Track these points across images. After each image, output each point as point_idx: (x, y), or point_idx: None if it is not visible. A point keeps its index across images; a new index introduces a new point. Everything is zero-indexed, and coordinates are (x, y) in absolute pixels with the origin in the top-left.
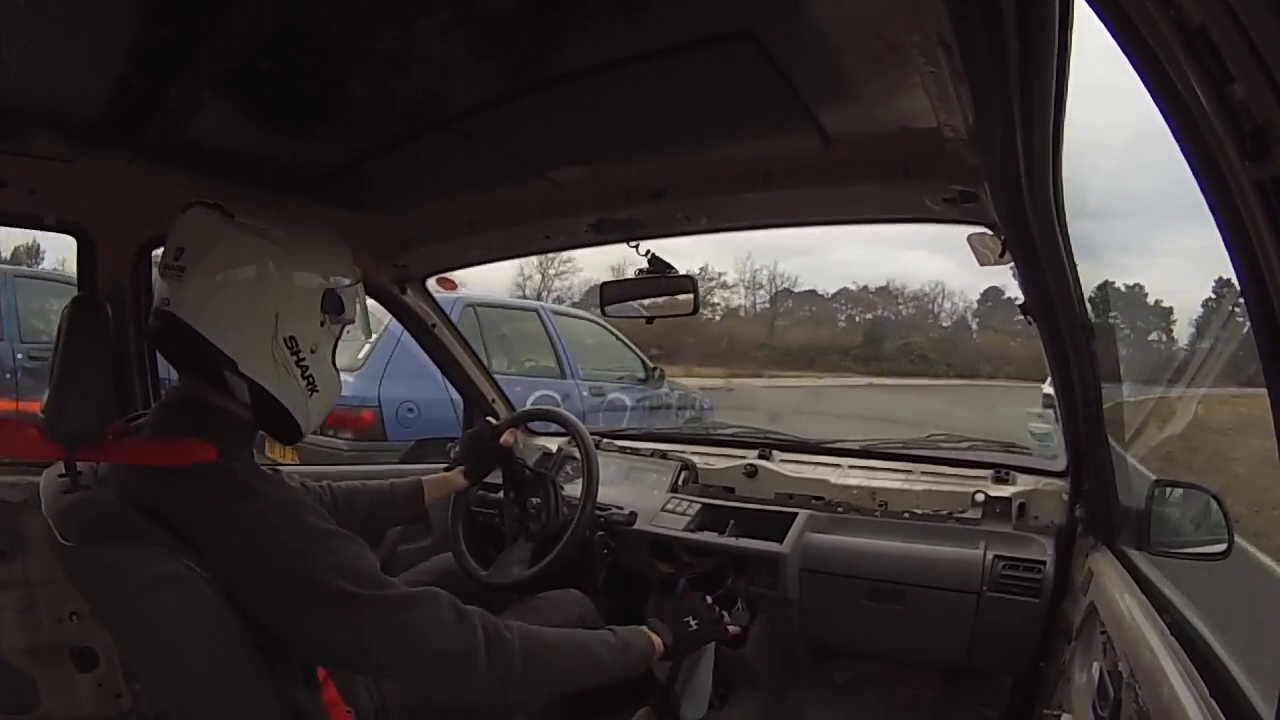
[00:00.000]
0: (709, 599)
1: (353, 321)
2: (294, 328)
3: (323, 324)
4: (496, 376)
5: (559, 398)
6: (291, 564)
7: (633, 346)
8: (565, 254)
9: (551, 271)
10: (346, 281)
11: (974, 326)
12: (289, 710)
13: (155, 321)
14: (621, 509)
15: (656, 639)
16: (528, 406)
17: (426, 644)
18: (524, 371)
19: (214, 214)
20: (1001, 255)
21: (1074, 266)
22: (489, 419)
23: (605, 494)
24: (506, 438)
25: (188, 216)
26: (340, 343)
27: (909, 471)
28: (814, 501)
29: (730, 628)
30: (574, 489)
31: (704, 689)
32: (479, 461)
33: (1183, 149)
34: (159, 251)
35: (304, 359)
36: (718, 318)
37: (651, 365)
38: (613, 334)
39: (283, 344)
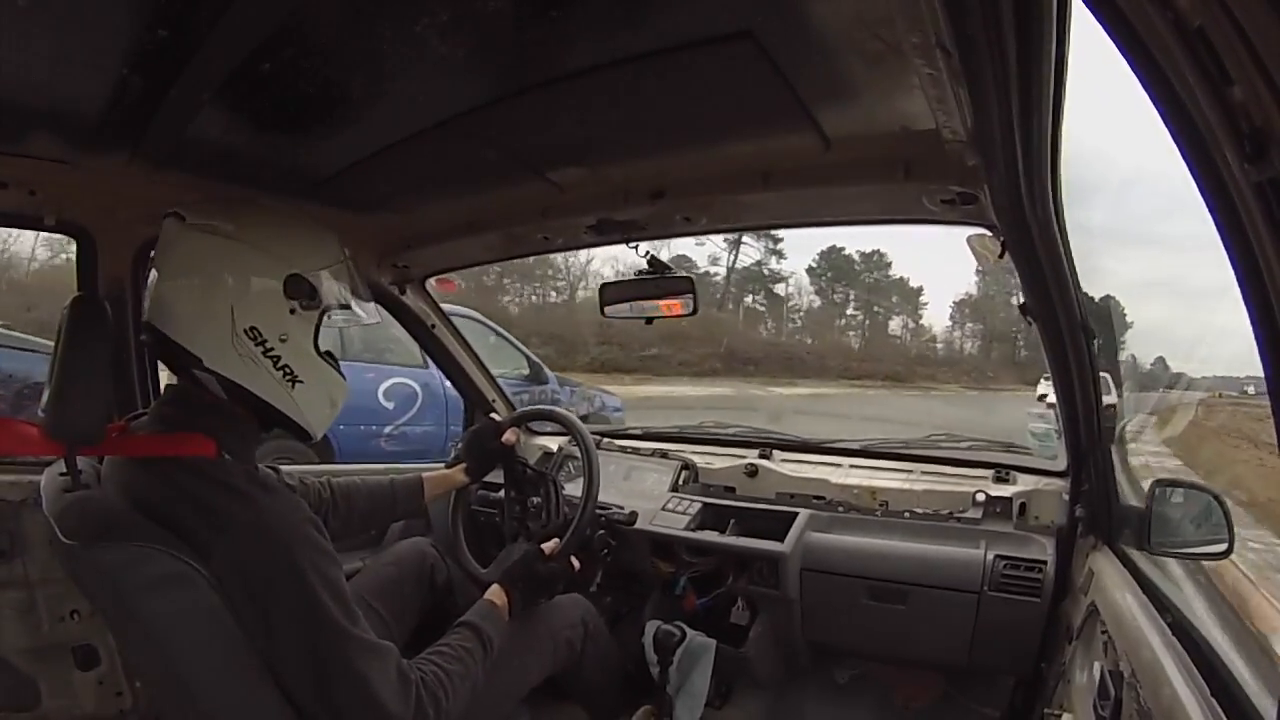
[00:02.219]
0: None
1: (342, 306)
2: (254, 318)
3: (293, 311)
4: (345, 363)
5: (418, 386)
6: (282, 577)
7: (519, 345)
8: None
9: None
10: (319, 265)
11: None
12: (291, 709)
13: (144, 332)
14: (622, 508)
15: (505, 613)
16: (380, 392)
17: (376, 696)
18: (380, 359)
19: (171, 220)
20: (1001, 256)
21: (1073, 267)
22: (492, 416)
23: (606, 493)
24: (509, 436)
25: (162, 227)
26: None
27: (909, 471)
28: (815, 501)
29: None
30: (574, 488)
31: (699, 692)
32: (481, 459)
33: (1181, 151)
34: None
35: (272, 349)
36: None
37: (537, 363)
38: (498, 333)
39: (244, 335)
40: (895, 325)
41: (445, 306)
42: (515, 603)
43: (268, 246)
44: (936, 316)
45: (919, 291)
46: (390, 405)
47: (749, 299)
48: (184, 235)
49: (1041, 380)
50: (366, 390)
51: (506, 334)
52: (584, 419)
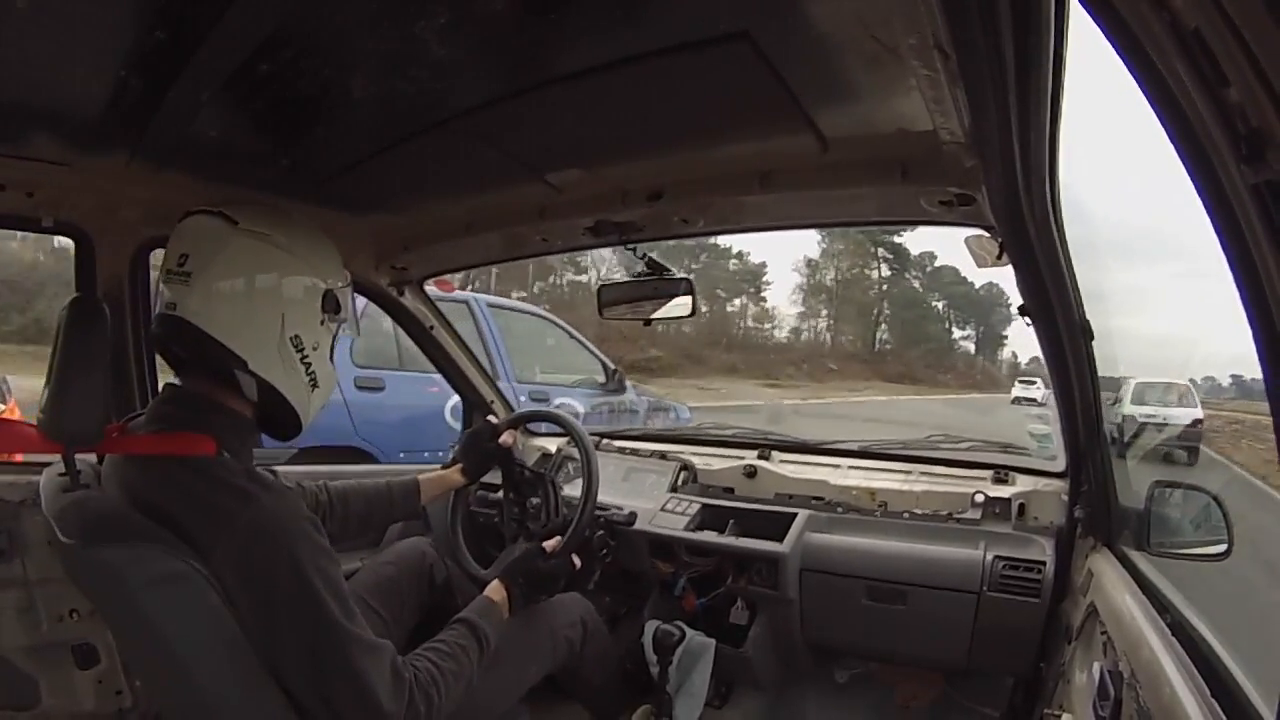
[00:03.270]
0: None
1: (346, 320)
2: (298, 327)
3: (322, 323)
4: (399, 374)
5: None
6: (283, 574)
7: (592, 348)
8: None
9: None
10: (341, 282)
11: None
12: (291, 707)
13: (160, 325)
14: (621, 509)
15: (504, 610)
16: (447, 410)
17: (373, 694)
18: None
19: (218, 220)
20: (999, 257)
21: (1072, 268)
22: (489, 419)
23: (605, 494)
24: (505, 438)
25: (190, 224)
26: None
27: (908, 472)
28: (813, 502)
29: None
30: (573, 489)
31: (699, 692)
32: (477, 461)
33: (1179, 152)
34: (158, 252)
35: (307, 356)
36: None
37: (612, 368)
38: (570, 334)
39: (289, 343)
40: (733, 306)
41: (506, 302)
42: (515, 598)
43: (311, 261)
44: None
45: (761, 270)
46: (458, 426)
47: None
48: (235, 238)
49: (1017, 382)
50: (431, 408)
51: (579, 336)
52: None
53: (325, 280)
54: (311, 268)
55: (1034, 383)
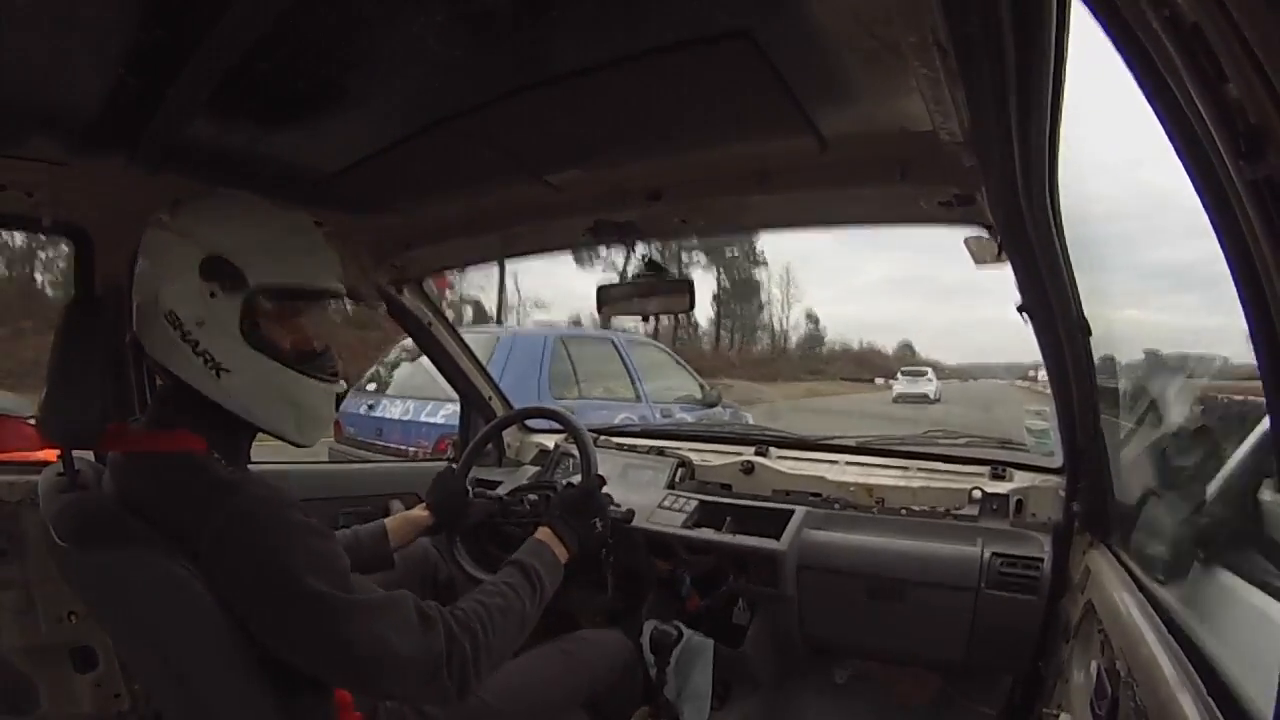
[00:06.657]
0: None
1: (288, 291)
2: (173, 301)
3: (213, 295)
4: (584, 402)
5: (636, 419)
6: (269, 558)
7: (691, 371)
8: None
9: None
10: (248, 246)
11: None
12: (291, 711)
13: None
14: (619, 506)
15: (561, 550)
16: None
17: (394, 651)
18: (612, 397)
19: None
20: (998, 256)
21: (1070, 267)
22: (453, 464)
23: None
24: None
25: None
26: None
27: (906, 468)
28: (811, 498)
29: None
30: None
31: (704, 692)
32: (444, 504)
33: (1177, 149)
34: None
35: (189, 333)
36: None
37: (708, 389)
38: (670, 355)
39: (164, 320)
40: None
41: (632, 336)
42: (560, 531)
43: (190, 230)
44: None
45: None
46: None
47: None
48: (145, 233)
49: (900, 374)
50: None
51: (682, 361)
52: None
53: (206, 247)
54: (188, 238)
55: (924, 373)
